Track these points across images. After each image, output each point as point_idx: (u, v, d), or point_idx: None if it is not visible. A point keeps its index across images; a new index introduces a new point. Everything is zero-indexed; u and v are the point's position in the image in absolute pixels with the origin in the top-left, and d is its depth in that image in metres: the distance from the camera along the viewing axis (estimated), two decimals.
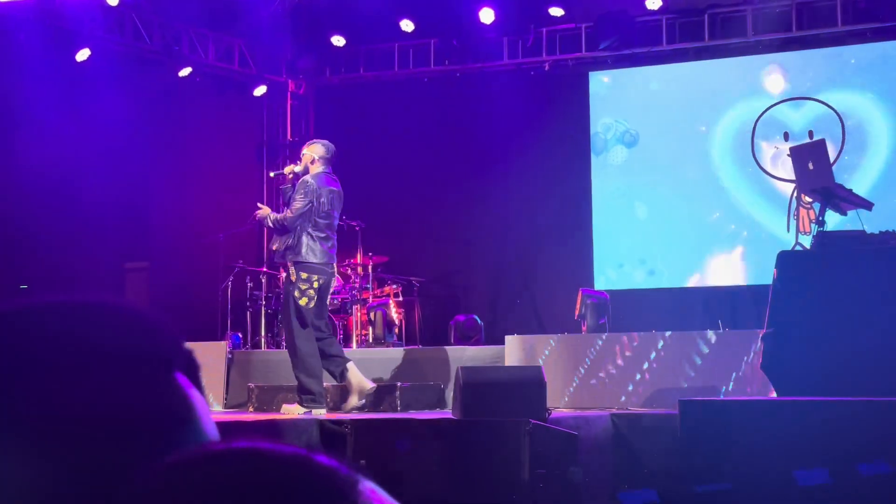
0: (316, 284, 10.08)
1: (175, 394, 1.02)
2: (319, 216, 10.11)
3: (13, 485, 0.94)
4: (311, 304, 10.11)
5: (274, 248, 10.35)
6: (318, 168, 10.23)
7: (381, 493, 0.90)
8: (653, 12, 15.00)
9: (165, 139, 16.78)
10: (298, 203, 10.03)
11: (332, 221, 10.25)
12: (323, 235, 10.16)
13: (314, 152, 10.29)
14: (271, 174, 10.66)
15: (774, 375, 8.76)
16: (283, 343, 13.31)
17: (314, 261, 10.09)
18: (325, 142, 10.46)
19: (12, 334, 1.01)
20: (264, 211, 10.37)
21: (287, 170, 10.45)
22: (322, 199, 10.12)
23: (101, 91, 15.11)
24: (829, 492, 6.90)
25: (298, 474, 0.87)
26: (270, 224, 10.23)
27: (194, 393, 1.05)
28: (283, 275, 10.51)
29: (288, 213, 10.07)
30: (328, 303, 10.59)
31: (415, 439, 8.16)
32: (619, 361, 11.11)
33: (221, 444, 0.90)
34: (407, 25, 15.77)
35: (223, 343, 12.98)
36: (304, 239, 10.07)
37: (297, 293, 10.06)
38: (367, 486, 0.89)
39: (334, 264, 10.38)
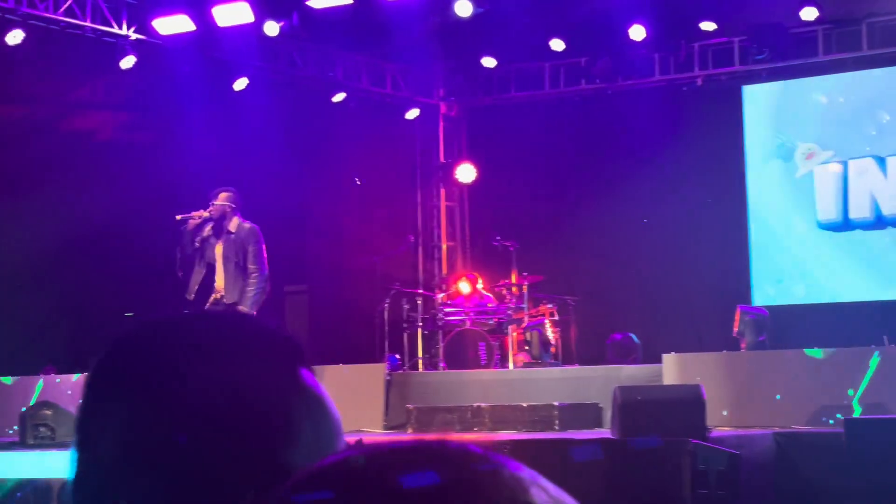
0: None
1: (302, 384, 1.23)
2: None
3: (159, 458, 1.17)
4: None
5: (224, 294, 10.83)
6: (235, 213, 10.88)
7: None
8: (808, 23, 14.74)
9: (321, 164, 17.05)
10: (264, 252, 10.79)
11: None
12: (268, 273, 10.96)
13: (231, 200, 10.88)
14: (177, 217, 10.96)
15: None
16: (441, 364, 13.41)
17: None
18: (233, 188, 11.06)
19: (165, 338, 1.24)
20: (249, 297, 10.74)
21: (196, 214, 10.86)
22: None
23: (257, 118, 15.43)
24: None
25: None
26: (260, 289, 10.77)
27: (319, 384, 1.25)
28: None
29: (261, 270, 10.74)
30: None
31: (574, 459, 8.14)
32: (781, 379, 10.91)
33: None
34: (557, 45, 15.77)
35: (381, 365, 13.10)
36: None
37: None
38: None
39: None
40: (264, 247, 10.81)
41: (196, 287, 10.76)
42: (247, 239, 10.73)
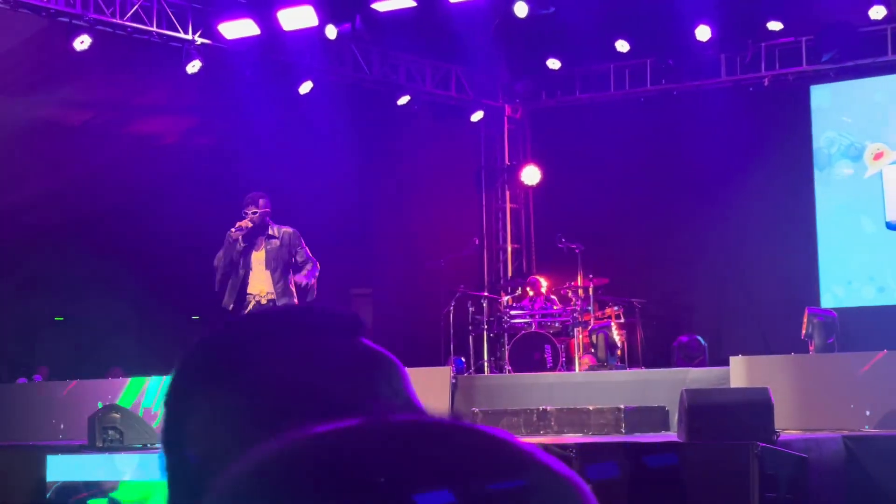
0: None
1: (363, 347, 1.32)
2: None
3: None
4: None
5: (304, 284, 10.95)
6: (270, 217, 10.92)
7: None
8: (876, 22, 14.56)
9: (385, 167, 17.09)
10: (308, 251, 10.86)
11: None
12: None
13: (268, 206, 10.92)
14: (233, 231, 10.90)
15: None
16: (506, 367, 13.36)
17: None
18: (267, 193, 11.10)
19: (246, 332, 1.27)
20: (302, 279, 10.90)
21: (242, 224, 10.83)
22: None
23: (322, 122, 15.48)
24: None
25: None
26: (314, 281, 10.88)
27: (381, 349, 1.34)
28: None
29: (314, 262, 10.86)
30: None
31: (641, 463, 8.08)
32: (850, 382, 10.76)
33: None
34: (622, 46, 15.70)
35: (447, 368, 13.08)
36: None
37: None
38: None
39: None
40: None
41: (235, 295, 10.79)
42: (293, 241, 10.86)
